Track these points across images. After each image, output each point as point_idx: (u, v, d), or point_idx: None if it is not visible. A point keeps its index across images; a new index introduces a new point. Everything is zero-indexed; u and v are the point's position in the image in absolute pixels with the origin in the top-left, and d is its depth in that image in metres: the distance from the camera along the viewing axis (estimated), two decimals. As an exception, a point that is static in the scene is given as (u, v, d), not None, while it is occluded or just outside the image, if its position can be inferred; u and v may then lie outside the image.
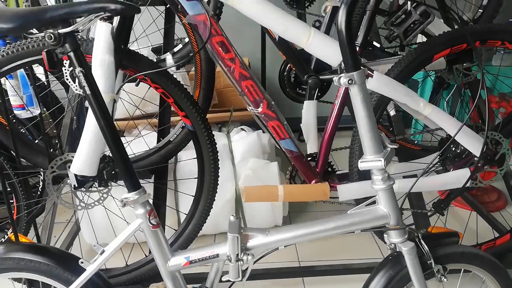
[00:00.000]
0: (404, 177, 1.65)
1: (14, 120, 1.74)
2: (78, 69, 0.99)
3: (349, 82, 0.98)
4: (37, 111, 1.59)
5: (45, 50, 0.97)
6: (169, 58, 1.84)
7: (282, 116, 1.49)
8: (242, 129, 2.31)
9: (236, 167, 2.02)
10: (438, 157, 1.60)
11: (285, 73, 1.87)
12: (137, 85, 1.62)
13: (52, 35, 0.95)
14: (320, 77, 1.73)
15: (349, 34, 0.97)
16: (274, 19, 1.36)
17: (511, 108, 2.22)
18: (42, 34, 0.96)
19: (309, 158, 1.60)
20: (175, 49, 2.02)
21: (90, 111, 1.26)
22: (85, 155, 1.32)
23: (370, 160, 1.03)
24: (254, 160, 2.02)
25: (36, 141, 1.79)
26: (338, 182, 1.58)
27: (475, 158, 1.48)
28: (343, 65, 0.99)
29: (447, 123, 1.41)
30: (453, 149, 1.53)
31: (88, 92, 1.00)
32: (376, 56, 1.83)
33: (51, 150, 1.74)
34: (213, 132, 1.54)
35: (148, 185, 1.78)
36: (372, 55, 1.82)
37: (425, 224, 1.72)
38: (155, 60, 2.02)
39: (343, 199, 1.52)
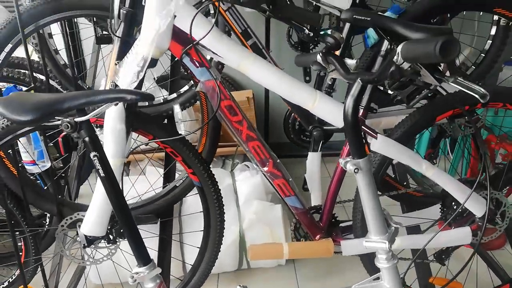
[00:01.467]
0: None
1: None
2: (93, 153, 1.02)
3: (355, 171, 1.01)
4: (47, 165, 1.62)
5: (60, 136, 1.00)
6: (176, 108, 1.87)
7: (287, 173, 1.52)
8: (246, 166, 2.34)
9: (240, 208, 2.05)
10: (440, 211, 1.64)
11: (289, 120, 1.91)
12: (146, 145, 1.65)
13: (68, 124, 0.98)
14: (325, 127, 1.76)
15: (355, 125, 1.01)
16: (280, 84, 1.39)
17: (512, 152, 2.25)
18: (59, 122, 0.99)
19: (313, 211, 1.64)
20: (182, 90, 2.06)
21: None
22: (95, 217, 1.36)
23: (375, 241, 1.07)
24: (258, 202, 2.06)
25: (45, 187, 1.83)
26: (342, 237, 1.62)
27: (476, 217, 1.51)
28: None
29: (450, 186, 1.44)
30: (455, 207, 1.56)
31: (102, 174, 1.03)
32: (381, 100, 1.86)
33: (59, 196, 1.78)
34: (217, 170, 1.57)
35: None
36: (377, 99, 1.86)
37: (426, 274, 1.75)
38: (162, 100, 2.08)
39: (346, 254, 1.55)
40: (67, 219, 1.45)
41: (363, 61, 1.71)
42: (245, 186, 2.11)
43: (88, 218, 1.36)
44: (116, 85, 1.29)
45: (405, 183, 1.94)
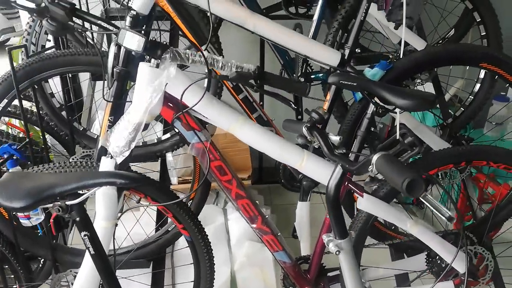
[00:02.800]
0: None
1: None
2: (83, 233, 1.05)
3: (336, 252, 1.05)
4: (41, 217, 1.65)
5: (52, 217, 1.04)
6: (169, 156, 1.91)
7: (275, 228, 1.55)
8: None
9: (232, 249, 2.08)
10: (426, 260, 1.68)
11: (280, 166, 1.94)
12: (138, 202, 1.67)
13: (60, 207, 1.01)
14: (314, 177, 1.80)
15: (337, 207, 1.04)
16: (269, 146, 1.42)
17: (500, 193, 2.28)
18: (50, 205, 1.02)
19: (301, 261, 1.67)
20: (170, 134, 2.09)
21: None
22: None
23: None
24: (250, 243, 2.09)
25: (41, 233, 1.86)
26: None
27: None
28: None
29: (434, 244, 1.48)
30: (439, 262, 1.60)
31: (92, 252, 1.07)
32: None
33: (54, 241, 1.81)
34: (209, 206, 1.59)
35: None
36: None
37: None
38: (155, 140, 2.11)
39: (334, 306, 1.59)
40: (59, 276, 1.48)
41: (352, 113, 1.76)
42: (237, 226, 2.14)
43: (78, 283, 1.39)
44: (107, 151, 1.32)
45: (393, 227, 1.98)
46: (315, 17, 2.04)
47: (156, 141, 2.08)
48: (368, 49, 2.39)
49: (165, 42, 1.65)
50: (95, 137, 2.08)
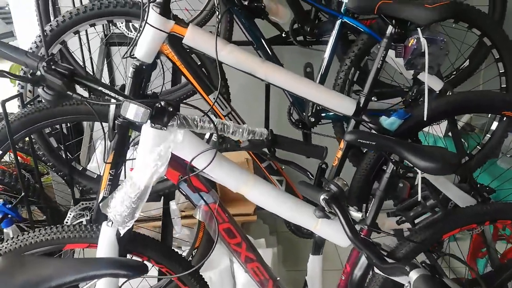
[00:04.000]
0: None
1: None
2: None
3: None
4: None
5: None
6: (173, 204, 1.82)
7: (287, 291, 1.46)
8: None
9: (238, 296, 1.99)
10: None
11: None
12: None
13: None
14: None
15: None
16: (281, 207, 1.33)
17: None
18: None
19: (312, 319, 1.58)
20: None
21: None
22: None
23: None
24: (256, 290, 1.99)
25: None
26: None
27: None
28: None
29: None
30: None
31: None
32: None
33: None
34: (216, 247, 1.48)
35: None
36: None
37: None
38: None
39: None
40: None
41: (367, 162, 1.67)
42: (243, 275, 2.04)
43: None
44: (107, 218, 1.23)
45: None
46: (326, 54, 1.95)
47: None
48: (379, 81, 2.31)
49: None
50: (95, 176, 1.99)
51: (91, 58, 2.29)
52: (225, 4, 1.72)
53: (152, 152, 1.17)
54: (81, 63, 2.24)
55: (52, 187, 2.52)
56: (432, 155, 1.25)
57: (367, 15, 1.73)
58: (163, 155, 1.15)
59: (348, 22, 1.86)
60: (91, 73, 2.28)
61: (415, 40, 1.45)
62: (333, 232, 1.36)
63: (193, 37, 1.42)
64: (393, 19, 1.46)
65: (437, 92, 1.87)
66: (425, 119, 1.43)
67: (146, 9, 1.32)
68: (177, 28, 1.41)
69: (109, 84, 2.50)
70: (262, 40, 1.87)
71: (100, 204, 1.22)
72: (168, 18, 1.39)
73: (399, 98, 2.13)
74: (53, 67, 1.02)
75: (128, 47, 1.35)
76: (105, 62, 2.47)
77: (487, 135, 2.09)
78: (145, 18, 1.32)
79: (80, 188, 1.99)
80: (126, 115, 1.02)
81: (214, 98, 1.49)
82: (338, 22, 1.89)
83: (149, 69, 1.45)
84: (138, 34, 1.36)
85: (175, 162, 1.25)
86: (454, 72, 2.40)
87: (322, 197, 1.14)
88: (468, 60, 2.38)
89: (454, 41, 2.41)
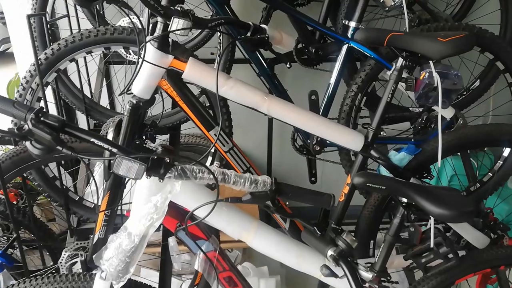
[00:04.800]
0: None
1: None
2: None
3: None
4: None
5: None
6: (171, 241, 1.74)
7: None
8: (247, 268, 2.21)
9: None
10: None
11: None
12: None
13: None
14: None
15: None
16: (286, 253, 1.26)
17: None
18: None
19: None
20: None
21: None
22: None
23: None
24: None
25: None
26: None
27: None
28: None
29: None
30: None
31: None
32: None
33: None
34: None
35: None
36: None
37: None
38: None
39: None
40: None
41: (375, 199, 1.59)
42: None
43: None
44: (100, 269, 1.16)
45: None
46: (332, 79, 1.87)
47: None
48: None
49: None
50: (92, 206, 1.92)
51: (89, 80, 2.22)
52: (227, 38, 1.65)
53: (148, 202, 1.10)
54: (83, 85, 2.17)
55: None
56: (447, 201, 1.18)
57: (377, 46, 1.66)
58: (159, 207, 1.08)
59: (355, 47, 1.78)
60: (89, 96, 2.21)
61: (427, 73, 1.37)
62: (341, 284, 1.28)
63: (193, 72, 1.34)
64: (403, 51, 1.38)
65: (448, 119, 1.80)
66: (439, 164, 1.35)
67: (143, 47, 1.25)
68: (176, 63, 1.34)
69: (108, 107, 2.46)
70: (266, 67, 1.80)
71: (93, 256, 1.15)
72: (167, 52, 1.32)
73: (407, 123, 2.05)
74: (42, 118, 0.95)
75: (126, 86, 1.28)
76: (105, 82, 2.40)
77: (499, 161, 2.01)
78: (142, 56, 1.24)
79: (77, 217, 1.92)
80: (119, 171, 0.95)
81: (215, 134, 1.42)
82: (345, 47, 1.82)
83: (147, 105, 1.38)
84: (135, 71, 1.29)
85: (173, 209, 1.18)
86: (465, 93, 2.32)
87: (329, 253, 1.07)
88: (478, 80, 2.30)
89: (465, 60, 2.35)
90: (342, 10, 2.06)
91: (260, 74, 1.81)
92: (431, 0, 2.36)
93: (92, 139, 0.99)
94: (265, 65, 1.79)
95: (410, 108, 2.21)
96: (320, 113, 1.89)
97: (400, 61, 1.39)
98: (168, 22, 1.22)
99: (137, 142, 1.43)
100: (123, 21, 2.04)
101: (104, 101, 2.45)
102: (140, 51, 1.25)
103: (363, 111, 1.99)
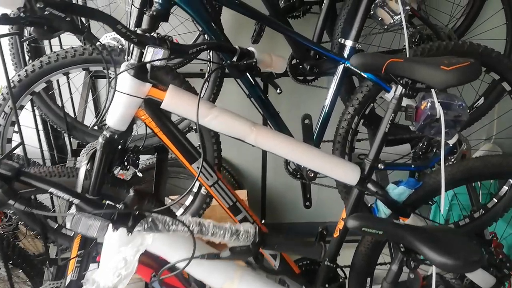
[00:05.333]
0: None
1: None
2: None
3: None
4: None
5: None
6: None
7: None
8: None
9: None
10: None
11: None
12: None
13: None
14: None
15: None
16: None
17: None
18: None
19: None
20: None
21: None
22: None
23: None
24: None
25: None
26: None
27: None
28: None
29: None
30: None
31: None
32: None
33: None
34: None
35: None
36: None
37: None
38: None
39: None
40: None
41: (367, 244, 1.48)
42: None
43: None
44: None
45: None
46: (327, 101, 1.77)
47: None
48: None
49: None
50: (72, 235, 1.81)
51: (71, 97, 2.11)
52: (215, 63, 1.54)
53: (117, 253, 0.99)
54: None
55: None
56: (451, 248, 1.06)
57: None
58: (129, 261, 0.97)
59: (352, 67, 1.67)
60: (73, 115, 2.10)
61: (429, 104, 1.26)
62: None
63: (173, 102, 1.23)
64: (403, 78, 1.26)
65: (451, 145, 1.68)
66: (441, 211, 1.23)
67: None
68: (154, 92, 1.22)
69: (97, 122, 2.34)
70: (256, 88, 1.68)
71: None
72: (144, 80, 1.20)
73: (407, 146, 1.94)
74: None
75: (98, 117, 1.17)
76: (91, 97, 2.29)
77: (504, 186, 1.90)
78: (114, 87, 1.13)
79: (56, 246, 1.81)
80: (77, 230, 0.83)
81: (198, 167, 1.30)
82: (341, 67, 1.71)
83: (124, 136, 1.27)
84: (108, 102, 1.18)
85: (147, 257, 1.08)
86: (468, 111, 2.20)
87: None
88: (482, 97, 2.18)
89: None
90: (338, 25, 1.95)
91: (250, 96, 1.69)
92: (433, 13, 2.25)
93: (50, 189, 0.88)
94: (255, 86, 1.67)
95: (411, 127, 2.10)
96: (314, 137, 1.78)
97: (400, 89, 1.28)
98: (143, 51, 1.11)
99: (113, 176, 1.33)
100: (107, 36, 1.93)
101: (90, 118, 2.34)
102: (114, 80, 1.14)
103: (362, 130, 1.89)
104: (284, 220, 3.07)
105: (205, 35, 1.66)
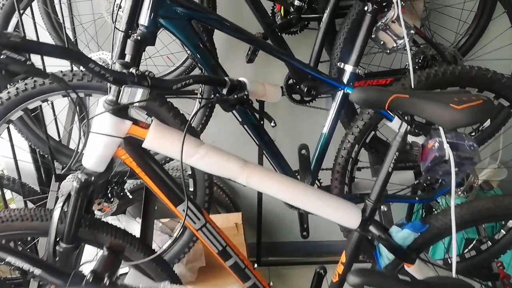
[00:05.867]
0: None
1: None
2: None
3: None
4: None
5: None
6: None
7: None
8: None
9: None
10: None
11: None
12: None
13: None
14: None
15: None
16: None
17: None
18: None
19: None
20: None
21: None
22: None
23: None
24: None
25: None
26: None
27: None
28: None
29: None
30: None
31: None
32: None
33: None
34: None
35: None
36: None
37: None
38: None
39: None
40: None
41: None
42: None
43: None
44: None
45: None
46: (325, 129, 1.66)
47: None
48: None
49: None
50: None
51: (56, 119, 2.00)
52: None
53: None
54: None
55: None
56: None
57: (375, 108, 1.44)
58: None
59: (352, 93, 1.56)
60: (57, 139, 1.99)
61: (436, 143, 1.15)
62: None
63: (157, 140, 1.12)
64: (408, 115, 1.15)
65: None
66: (453, 263, 1.12)
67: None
68: (135, 129, 1.11)
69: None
70: (250, 115, 1.57)
71: None
72: (124, 117, 1.09)
73: (410, 174, 1.83)
74: None
75: (71, 161, 1.06)
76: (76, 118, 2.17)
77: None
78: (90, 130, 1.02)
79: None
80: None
81: (184, 210, 1.19)
82: (340, 93, 1.60)
83: (103, 176, 1.16)
84: (83, 142, 1.07)
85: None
86: (473, 134, 2.10)
87: None
88: (489, 119, 2.08)
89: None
90: (337, 44, 1.84)
91: (243, 123, 1.58)
92: (436, 29, 2.14)
93: (7, 259, 0.77)
94: (249, 114, 1.56)
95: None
96: (312, 166, 1.68)
97: (404, 126, 1.17)
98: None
99: (92, 218, 1.22)
100: (92, 55, 1.82)
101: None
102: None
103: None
104: (280, 239, 2.97)
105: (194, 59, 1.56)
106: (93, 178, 1.12)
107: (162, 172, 1.20)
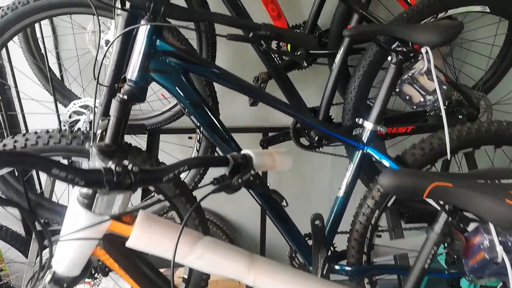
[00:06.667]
0: None
1: None
2: None
3: None
4: None
5: None
6: None
7: None
8: None
9: None
10: None
11: None
12: None
13: None
14: None
15: None
16: None
17: None
18: None
19: None
20: None
21: None
22: None
23: None
24: None
25: None
26: None
27: None
28: None
29: None
30: None
31: None
32: None
33: None
34: None
35: None
36: None
37: None
38: None
39: None
40: None
41: None
42: None
43: None
44: None
45: None
46: (341, 192, 1.45)
47: None
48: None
49: None
50: None
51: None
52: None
53: None
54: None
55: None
56: None
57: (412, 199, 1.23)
58: None
59: (373, 154, 1.36)
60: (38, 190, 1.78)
61: (486, 241, 0.94)
62: None
63: (144, 239, 0.91)
64: (451, 205, 0.95)
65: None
66: None
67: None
68: (117, 226, 0.90)
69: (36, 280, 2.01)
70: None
71: None
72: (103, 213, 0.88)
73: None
74: None
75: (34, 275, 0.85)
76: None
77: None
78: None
79: None
80: None
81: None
82: (359, 153, 1.39)
83: (80, 278, 0.95)
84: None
85: None
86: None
87: None
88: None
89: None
90: (352, 88, 1.64)
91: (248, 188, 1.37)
92: (460, 66, 1.95)
93: None
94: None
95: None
96: (326, 233, 1.47)
97: (444, 217, 0.96)
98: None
99: None
100: (75, 104, 1.61)
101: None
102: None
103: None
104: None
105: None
106: (65, 285, 0.91)
107: (147, 266, 0.99)
